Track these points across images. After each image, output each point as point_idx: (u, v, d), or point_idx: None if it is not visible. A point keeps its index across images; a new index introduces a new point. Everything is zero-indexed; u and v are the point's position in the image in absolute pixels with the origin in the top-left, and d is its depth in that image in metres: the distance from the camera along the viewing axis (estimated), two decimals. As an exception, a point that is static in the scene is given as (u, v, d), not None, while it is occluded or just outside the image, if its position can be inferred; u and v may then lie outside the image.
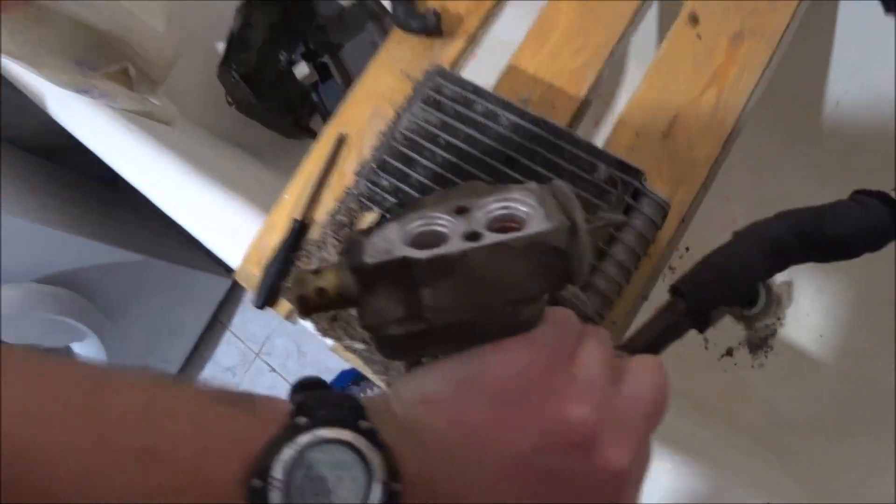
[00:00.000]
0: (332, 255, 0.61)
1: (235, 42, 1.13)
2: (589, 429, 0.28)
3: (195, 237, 0.78)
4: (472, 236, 0.27)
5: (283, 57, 1.15)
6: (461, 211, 0.29)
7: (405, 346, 0.30)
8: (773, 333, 0.91)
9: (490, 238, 0.27)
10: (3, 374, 0.24)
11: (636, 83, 0.64)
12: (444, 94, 0.56)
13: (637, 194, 0.54)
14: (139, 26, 0.90)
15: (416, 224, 0.29)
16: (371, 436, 0.26)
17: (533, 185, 0.30)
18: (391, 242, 0.28)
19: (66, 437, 0.24)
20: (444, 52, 0.68)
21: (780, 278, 0.94)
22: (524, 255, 0.27)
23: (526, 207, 0.29)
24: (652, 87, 0.64)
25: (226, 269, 1.39)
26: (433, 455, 0.28)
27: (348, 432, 0.26)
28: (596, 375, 0.30)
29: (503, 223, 0.29)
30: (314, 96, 1.16)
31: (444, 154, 0.54)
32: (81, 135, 0.92)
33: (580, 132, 0.60)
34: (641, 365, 0.32)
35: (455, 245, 0.27)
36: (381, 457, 0.26)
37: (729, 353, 0.92)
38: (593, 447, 0.28)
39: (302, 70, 1.13)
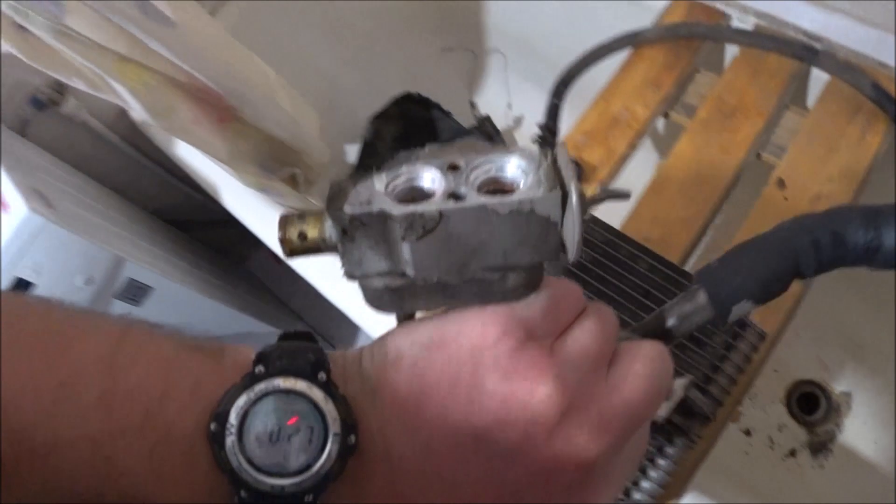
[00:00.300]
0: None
1: (367, 150, 1.34)
2: (551, 410, 0.26)
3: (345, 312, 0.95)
4: (454, 196, 0.26)
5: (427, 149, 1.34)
6: (453, 168, 0.28)
7: (387, 299, 0.29)
8: (833, 438, 1.04)
9: (472, 200, 0.26)
10: None
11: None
12: (594, 236, 0.73)
13: (741, 324, 0.70)
14: (305, 135, 1.10)
15: (402, 178, 0.28)
16: (327, 387, 0.27)
17: (533, 148, 0.28)
18: (374, 194, 0.27)
19: (29, 380, 0.25)
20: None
21: (839, 388, 1.08)
22: (509, 221, 0.26)
23: (519, 171, 0.27)
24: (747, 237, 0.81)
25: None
26: (388, 415, 0.27)
27: (303, 382, 0.26)
28: (577, 355, 0.28)
29: (494, 185, 0.28)
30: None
31: (595, 284, 0.71)
32: (251, 223, 1.12)
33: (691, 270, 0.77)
34: (638, 351, 0.30)
35: (435, 203, 0.26)
36: (336, 409, 0.26)
37: (792, 453, 1.05)
38: (556, 431, 0.26)
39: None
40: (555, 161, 0.27)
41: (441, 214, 0.26)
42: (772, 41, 0.91)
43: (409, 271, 0.27)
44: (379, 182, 0.27)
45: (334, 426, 0.26)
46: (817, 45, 0.91)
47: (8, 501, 0.24)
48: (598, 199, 0.30)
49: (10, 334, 0.25)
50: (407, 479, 0.27)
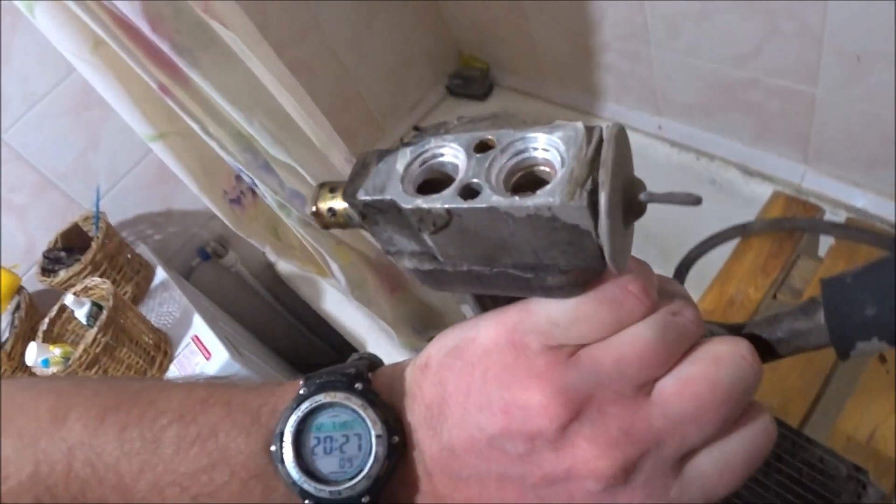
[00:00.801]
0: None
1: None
2: (548, 421, 0.24)
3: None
4: (467, 191, 0.23)
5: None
6: (483, 147, 0.24)
7: (423, 280, 0.27)
8: None
9: (483, 200, 0.23)
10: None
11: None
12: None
13: (864, 487, 0.79)
14: (449, 299, 1.26)
15: (426, 154, 0.25)
16: (365, 395, 0.28)
17: (577, 127, 0.23)
18: (390, 177, 0.25)
19: (122, 442, 0.29)
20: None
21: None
22: (528, 225, 0.23)
23: (557, 155, 0.23)
24: (855, 409, 0.91)
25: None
26: (419, 418, 0.28)
27: (342, 394, 0.28)
28: (608, 365, 0.24)
29: (527, 170, 0.24)
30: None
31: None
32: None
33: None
34: (709, 350, 0.25)
35: (442, 199, 0.23)
36: (375, 413, 0.28)
37: None
38: (559, 442, 0.24)
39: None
40: (599, 145, 0.22)
41: (449, 213, 0.23)
42: (862, 234, 1.05)
43: (438, 257, 0.26)
44: (402, 159, 0.25)
45: (375, 428, 0.27)
46: (904, 234, 1.05)
47: None
48: (648, 202, 0.23)
49: (108, 399, 0.30)
50: (440, 479, 0.28)
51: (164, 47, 0.71)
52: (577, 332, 0.25)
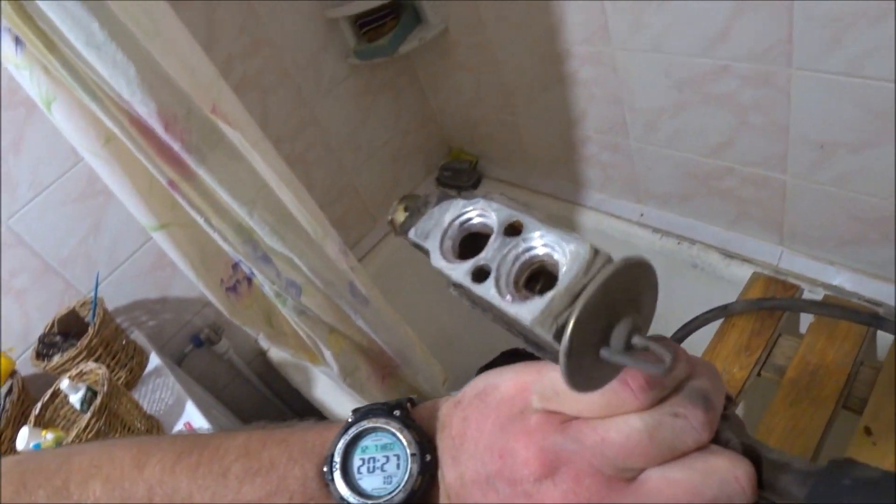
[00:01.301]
0: None
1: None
2: (527, 472, 0.27)
3: None
4: (478, 273, 0.27)
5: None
6: (511, 230, 0.28)
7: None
8: None
9: (482, 290, 0.26)
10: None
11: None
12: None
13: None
14: (436, 384, 1.27)
15: (463, 220, 0.29)
16: (402, 420, 0.33)
17: (584, 252, 0.25)
18: (435, 228, 0.30)
19: (196, 479, 0.34)
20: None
21: None
22: (516, 321, 0.26)
23: (560, 262, 0.25)
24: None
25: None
26: (444, 448, 0.32)
27: (382, 419, 0.33)
28: (591, 441, 0.26)
29: (539, 263, 0.27)
30: None
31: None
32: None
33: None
34: (707, 461, 0.26)
35: (457, 274, 0.27)
36: (410, 435, 0.32)
37: None
38: (536, 491, 0.27)
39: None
40: (592, 280, 0.24)
41: (462, 286, 0.27)
42: (841, 311, 1.09)
43: (467, 302, 0.29)
44: (451, 213, 0.29)
45: (410, 448, 0.32)
46: (880, 311, 1.09)
47: None
48: (618, 354, 0.24)
49: (180, 446, 0.35)
50: (454, 499, 0.31)
51: (176, 146, 0.76)
52: (570, 405, 0.27)
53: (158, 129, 0.74)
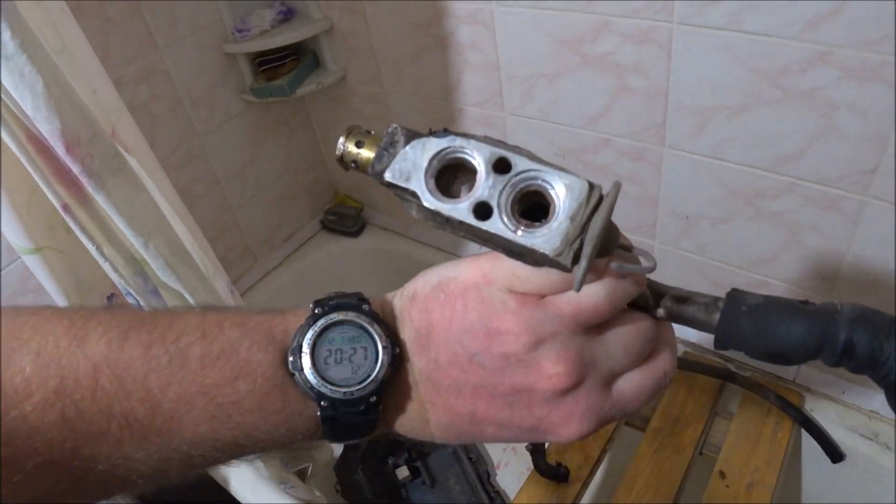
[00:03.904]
0: None
1: (359, 447, 1.49)
2: (517, 345, 0.31)
3: None
4: (480, 209, 0.29)
5: (390, 461, 1.49)
6: (501, 166, 0.29)
7: (431, 224, 0.31)
8: None
9: (489, 225, 0.28)
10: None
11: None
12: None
13: None
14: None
15: (447, 153, 0.30)
16: (371, 314, 0.34)
17: (581, 187, 0.28)
18: (416, 167, 0.29)
19: (149, 358, 0.31)
20: (567, 492, 1.06)
21: None
22: (522, 249, 0.29)
23: (561, 196, 0.28)
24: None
25: None
26: (409, 338, 0.34)
27: (353, 313, 0.34)
28: (553, 310, 0.31)
29: (534, 195, 0.29)
30: (403, 492, 1.47)
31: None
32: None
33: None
34: (637, 317, 0.34)
35: (458, 212, 0.29)
36: (380, 328, 0.33)
37: None
38: (526, 360, 0.31)
39: (403, 472, 1.44)
40: (596, 208, 0.28)
41: (462, 223, 0.29)
42: (698, 366, 1.21)
43: (443, 228, 0.31)
44: (428, 151, 0.30)
45: (381, 341, 0.33)
46: (731, 367, 1.22)
47: (137, 456, 0.31)
48: (622, 270, 0.31)
49: (124, 322, 0.32)
50: (425, 387, 0.34)
51: (75, 169, 0.71)
52: (535, 285, 0.31)
53: (59, 149, 0.70)
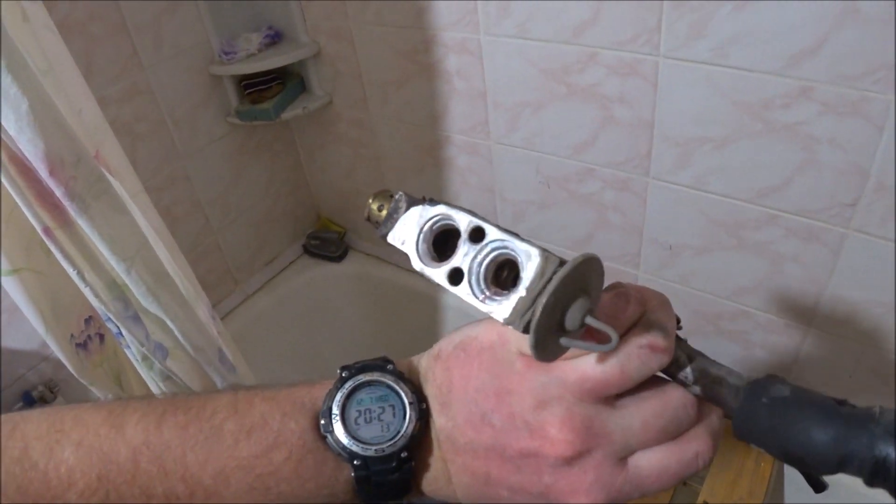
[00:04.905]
0: None
1: None
2: (524, 406, 0.31)
3: None
4: (454, 275, 0.31)
5: None
6: (476, 236, 0.31)
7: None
8: None
9: (460, 291, 0.31)
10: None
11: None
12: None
13: None
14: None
15: (436, 220, 0.33)
16: (397, 373, 0.35)
17: (537, 265, 0.29)
18: (410, 232, 0.33)
19: (187, 438, 0.33)
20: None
21: None
22: (484, 315, 0.31)
23: (524, 270, 0.29)
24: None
25: None
26: (431, 396, 0.35)
27: (378, 373, 0.35)
28: (573, 376, 0.31)
29: (504, 261, 0.31)
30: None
31: None
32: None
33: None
34: (665, 390, 0.32)
35: (436, 276, 0.31)
36: (406, 386, 0.35)
37: None
38: (531, 422, 0.31)
39: None
40: (551, 278, 0.28)
41: (438, 284, 0.31)
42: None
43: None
44: (421, 218, 0.33)
45: (408, 397, 0.34)
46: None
47: None
48: (574, 331, 0.30)
49: (160, 407, 0.34)
50: (446, 444, 0.34)
51: (58, 192, 0.70)
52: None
53: (42, 171, 0.68)
